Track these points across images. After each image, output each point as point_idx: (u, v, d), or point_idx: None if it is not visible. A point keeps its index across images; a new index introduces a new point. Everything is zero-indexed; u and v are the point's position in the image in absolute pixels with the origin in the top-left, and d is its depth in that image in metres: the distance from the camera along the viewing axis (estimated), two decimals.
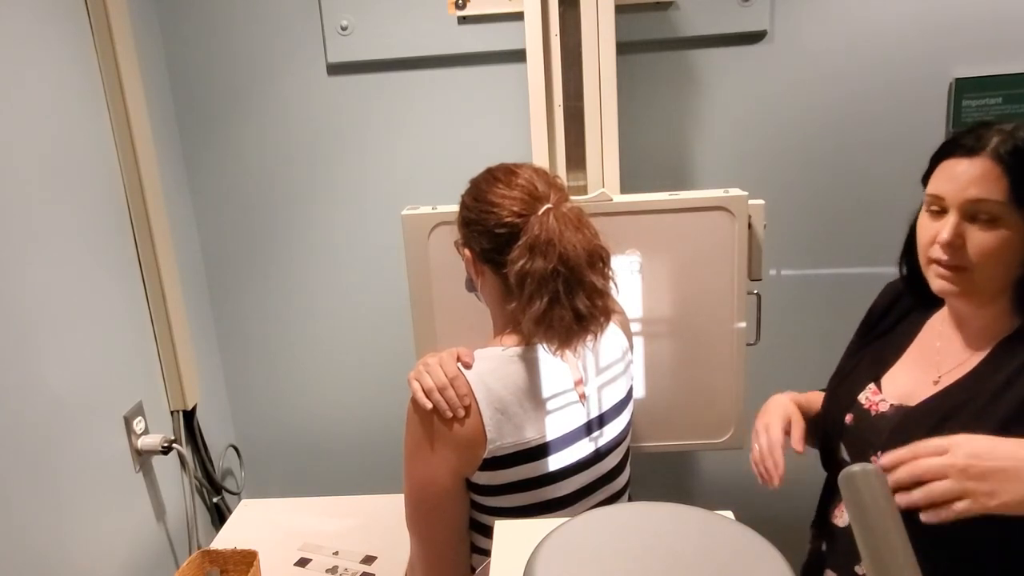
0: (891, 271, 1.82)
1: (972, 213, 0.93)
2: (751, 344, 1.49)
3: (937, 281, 0.98)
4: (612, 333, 1.18)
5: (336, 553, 1.58)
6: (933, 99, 1.67)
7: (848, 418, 1.09)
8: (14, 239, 1.24)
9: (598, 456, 1.16)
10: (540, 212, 1.04)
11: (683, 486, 1.97)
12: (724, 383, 1.49)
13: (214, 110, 1.77)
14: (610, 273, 1.08)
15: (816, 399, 1.22)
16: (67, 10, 1.40)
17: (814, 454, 1.90)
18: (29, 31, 1.30)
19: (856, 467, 0.60)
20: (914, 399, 1.02)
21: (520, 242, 1.03)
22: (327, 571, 1.52)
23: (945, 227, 0.94)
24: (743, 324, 1.46)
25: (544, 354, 1.10)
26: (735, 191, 1.43)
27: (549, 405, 1.10)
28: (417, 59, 1.71)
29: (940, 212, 0.96)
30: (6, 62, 1.24)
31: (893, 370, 1.09)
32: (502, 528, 0.81)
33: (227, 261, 1.87)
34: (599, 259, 1.06)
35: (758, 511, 1.96)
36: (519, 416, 1.07)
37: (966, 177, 0.93)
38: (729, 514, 0.70)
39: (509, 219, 1.05)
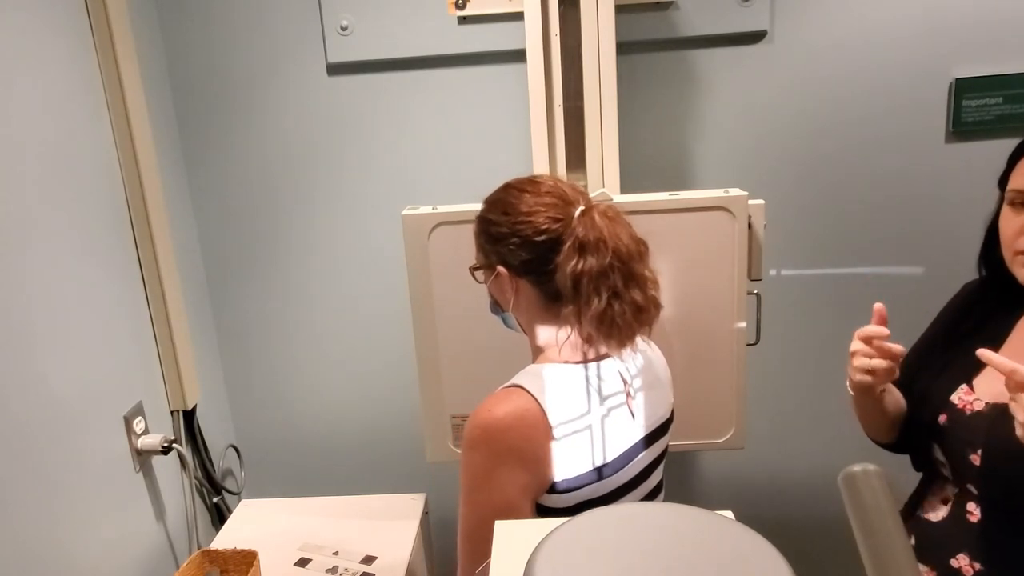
0: (890, 271, 1.83)
1: None
2: (751, 344, 1.49)
3: None
4: (647, 345, 1.16)
5: (336, 553, 1.58)
6: (933, 99, 1.67)
7: (942, 418, 1.11)
8: (14, 239, 1.24)
9: (644, 474, 1.13)
10: (578, 213, 1.04)
11: (683, 486, 1.97)
12: (724, 383, 1.49)
13: (214, 110, 1.77)
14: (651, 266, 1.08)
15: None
16: (67, 10, 1.40)
17: (803, 455, 1.88)
18: (29, 31, 1.30)
19: (856, 467, 0.60)
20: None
21: (567, 245, 1.02)
22: (327, 571, 1.52)
23: None
24: (743, 324, 1.46)
25: (600, 367, 1.08)
26: (735, 191, 1.43)
27: (610, 421, 1.08)
28: (417, 59, 1.71)
29: None
30: (6, 62, 1.24)
31: (986, 370, 1.09)
32: (502, 528, 0.81)
33: (227, 261, 1.87)
34: (644, 252, 1.06)
35: (758, 511, 1.97)
36: (586, 434, 1.05)
37: None
38: (729, 514, 0.70)
39: (547, 225, 1.03)
